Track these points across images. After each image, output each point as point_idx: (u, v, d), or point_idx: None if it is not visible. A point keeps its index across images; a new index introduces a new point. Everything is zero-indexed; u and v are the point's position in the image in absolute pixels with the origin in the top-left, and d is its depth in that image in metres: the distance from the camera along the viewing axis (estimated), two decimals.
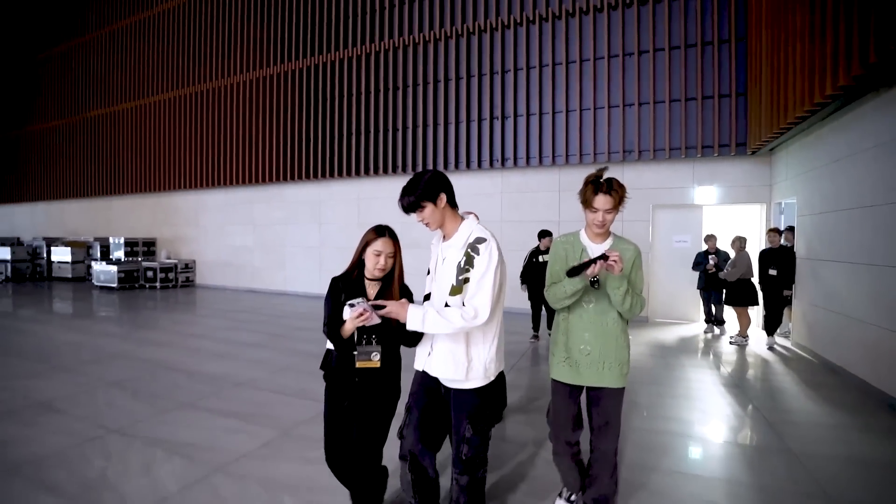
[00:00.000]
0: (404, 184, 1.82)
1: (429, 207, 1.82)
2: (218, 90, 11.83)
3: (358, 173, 9.92)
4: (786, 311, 6.26)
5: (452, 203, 1.88)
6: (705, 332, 6.89)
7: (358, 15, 10.00)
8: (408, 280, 2.04)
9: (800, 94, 4.84)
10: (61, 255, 13.94)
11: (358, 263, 1.97)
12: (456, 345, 1.84)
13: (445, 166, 8.96)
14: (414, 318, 1.74)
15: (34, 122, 16.59)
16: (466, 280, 1.78)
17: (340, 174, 10.13)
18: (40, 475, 2.58)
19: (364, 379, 1.93)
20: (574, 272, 1.89)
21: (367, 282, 1.95)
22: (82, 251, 14.03)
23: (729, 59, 7.15)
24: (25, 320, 7.52)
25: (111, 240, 13.10)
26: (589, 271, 1.85)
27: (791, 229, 6.31)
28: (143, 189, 13.54)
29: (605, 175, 1.95)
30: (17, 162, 17.36)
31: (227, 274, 12.24)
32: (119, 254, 12.71)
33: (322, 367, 2.05)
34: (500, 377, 3.31)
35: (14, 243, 14.66)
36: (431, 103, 9.16)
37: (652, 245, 7.85)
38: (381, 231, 1.92)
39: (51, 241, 14.84)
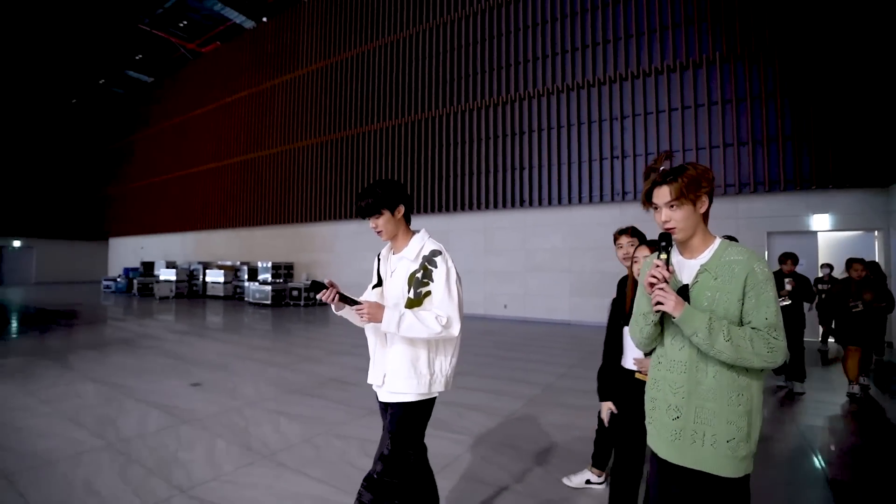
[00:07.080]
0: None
1: (385, 215, 1.85)
2: (352, 137, 14.05)
3: (487, 206, 11.50)
4: None
5: (408, 217, 1.93)
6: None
7: (479, 73, 11.80)
8: None
9: None
10: (215, 276, 16.56)
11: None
12: (417, 355, 1.82)
13: (570, 200, 10.32)
14: (390, 320, 1.71)
15: (188, 166, 19.92)
16: (428, 293, 1.79)
17: (469, 207, 11.76)
18: None
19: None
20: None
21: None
22: (231, 273, 16.60)
23: None
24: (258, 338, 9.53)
25: (259, 263, 15.52)
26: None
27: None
28: (282, 221, 15.98)
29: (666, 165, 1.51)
30: (170, 197, 20.80)
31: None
32: (266, 276, 15.05)
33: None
34: None
35: (175, 266, 17.59)
36: (546, 146, 10.64)
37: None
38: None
39: (205, 265, 17.65)
